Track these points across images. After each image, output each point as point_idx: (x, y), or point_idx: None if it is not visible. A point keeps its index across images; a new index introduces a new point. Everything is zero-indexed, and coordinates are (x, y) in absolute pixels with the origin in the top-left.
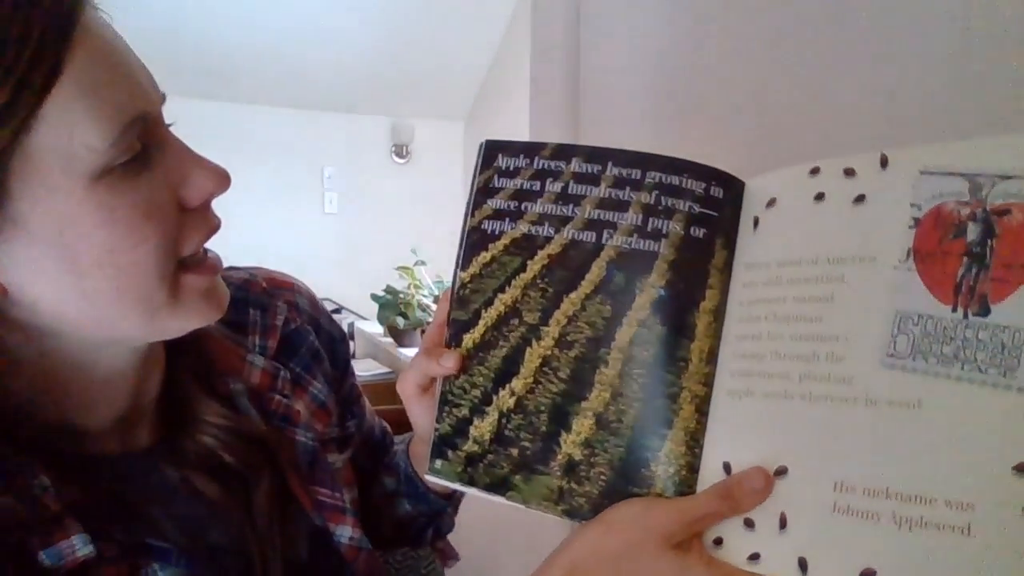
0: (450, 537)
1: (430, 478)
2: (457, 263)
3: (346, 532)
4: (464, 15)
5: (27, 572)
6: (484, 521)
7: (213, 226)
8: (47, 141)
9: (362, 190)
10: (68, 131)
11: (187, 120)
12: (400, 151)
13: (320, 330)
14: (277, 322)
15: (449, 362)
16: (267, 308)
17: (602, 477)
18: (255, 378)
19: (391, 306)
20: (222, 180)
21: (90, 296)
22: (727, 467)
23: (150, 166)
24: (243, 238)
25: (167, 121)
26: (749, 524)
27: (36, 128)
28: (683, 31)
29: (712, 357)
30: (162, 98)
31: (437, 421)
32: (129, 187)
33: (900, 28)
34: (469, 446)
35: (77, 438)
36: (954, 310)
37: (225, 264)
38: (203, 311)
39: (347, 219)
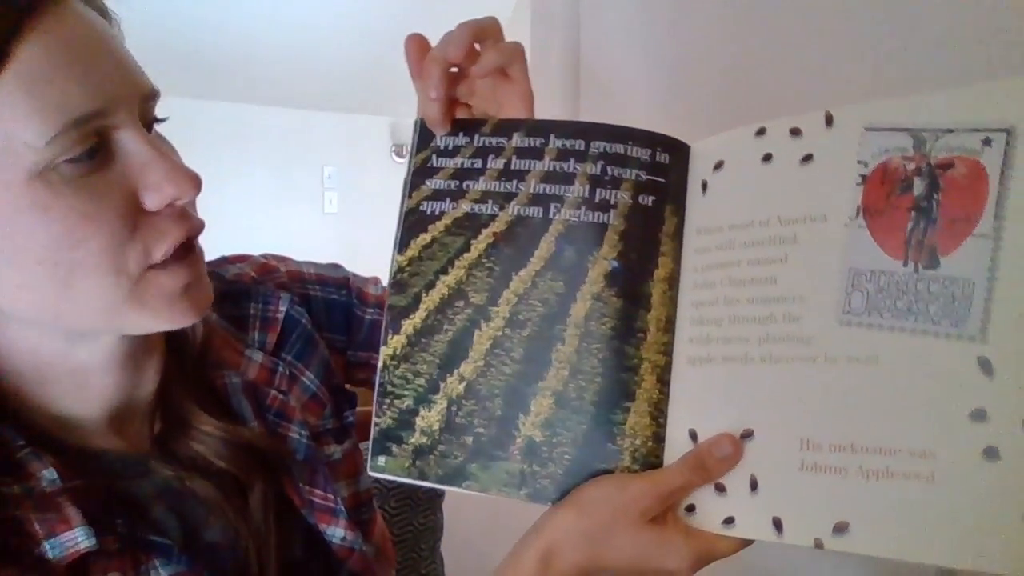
0: (448, 529)
1: (374, 475)
2: (395, 247)
3: (338, 533)
4: (464, 15)
5: (30, 562)
6: (481, 516)
7: (189, 228)
8: None
9: (362, 190)
10: (6, 126)
11: (188, 120)
12: (400, 151)
13: (313, 304)
14: (279, 315)
15: None
16: (268, 301)
17: (566, 456)
18: (252, 373)
19: None
20: (188, 186)
21: (36, 290)
22: (693, 435)
23: (105, 166)
24: (243, 238)
25: (161, 116)
26: (720, 489)
27: None
28: (683, 29)
29: (670, 326)
30: (150, 94)
31: (376, 415)
32: (71, 187)
33: (901, 20)
34: (416, 438)
35: (76, 432)
36: (905, 264)
37: (218, 255)
38: (169, 314)
39: (347, 219)
